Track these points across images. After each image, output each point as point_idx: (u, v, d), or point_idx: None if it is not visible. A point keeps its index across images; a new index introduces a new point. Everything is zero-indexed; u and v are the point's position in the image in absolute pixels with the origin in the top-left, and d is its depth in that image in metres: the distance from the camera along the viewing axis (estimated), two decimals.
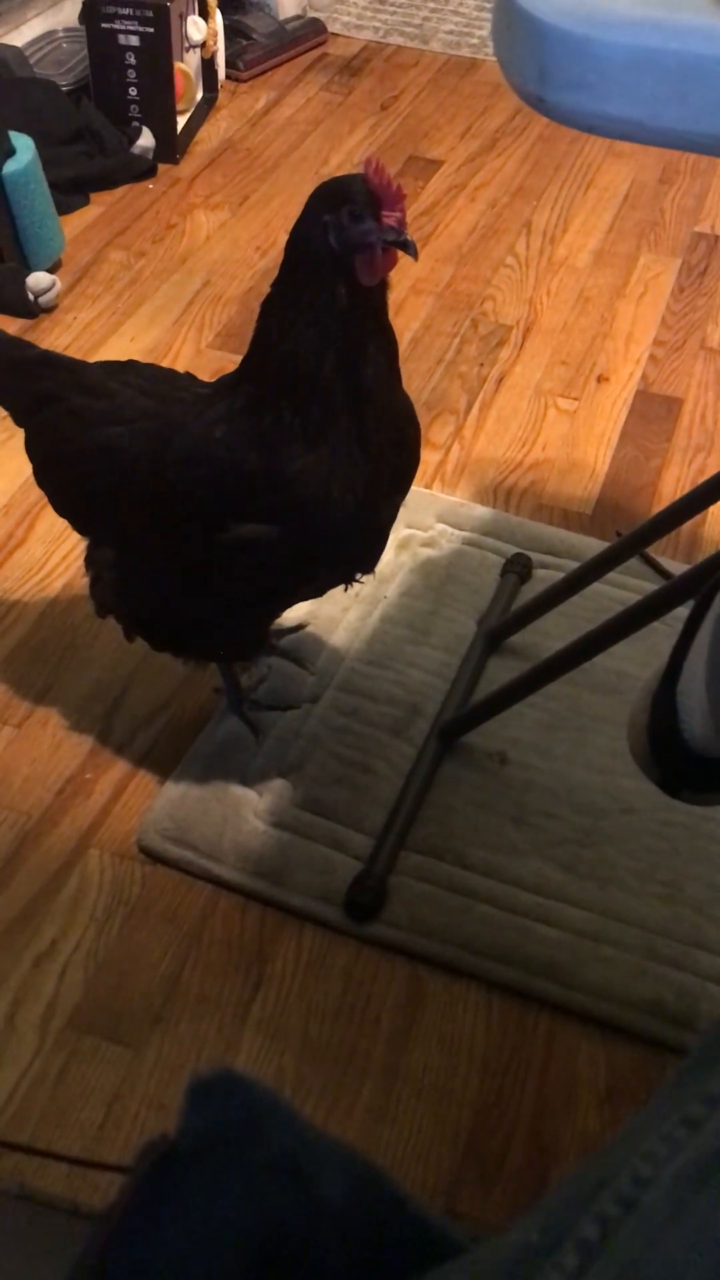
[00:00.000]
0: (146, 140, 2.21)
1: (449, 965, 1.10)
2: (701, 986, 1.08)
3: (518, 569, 1.46)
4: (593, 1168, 0.40)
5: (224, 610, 1.09)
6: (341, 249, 0.87)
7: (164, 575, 1.08)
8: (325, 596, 1.17)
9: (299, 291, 0.90)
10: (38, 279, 1.84)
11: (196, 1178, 0.47)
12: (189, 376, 1.11)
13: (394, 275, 0.91)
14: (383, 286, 0.90)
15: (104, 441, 1.05)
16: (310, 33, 2.69)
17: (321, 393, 0.91)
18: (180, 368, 1.76)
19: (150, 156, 2.22)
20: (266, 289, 0.95)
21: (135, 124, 2.22)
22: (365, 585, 1.16)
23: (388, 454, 0.98)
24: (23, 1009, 1.06)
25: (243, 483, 0.96)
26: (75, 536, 1.19)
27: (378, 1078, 1.03)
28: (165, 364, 1.77)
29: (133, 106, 2.23)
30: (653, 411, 1.75)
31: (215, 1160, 0.46)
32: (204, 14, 2.32)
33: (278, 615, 1.24)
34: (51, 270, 1.90)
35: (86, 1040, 1.04)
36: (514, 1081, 1.03)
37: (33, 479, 1.17)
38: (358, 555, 1.07)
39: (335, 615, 1.40)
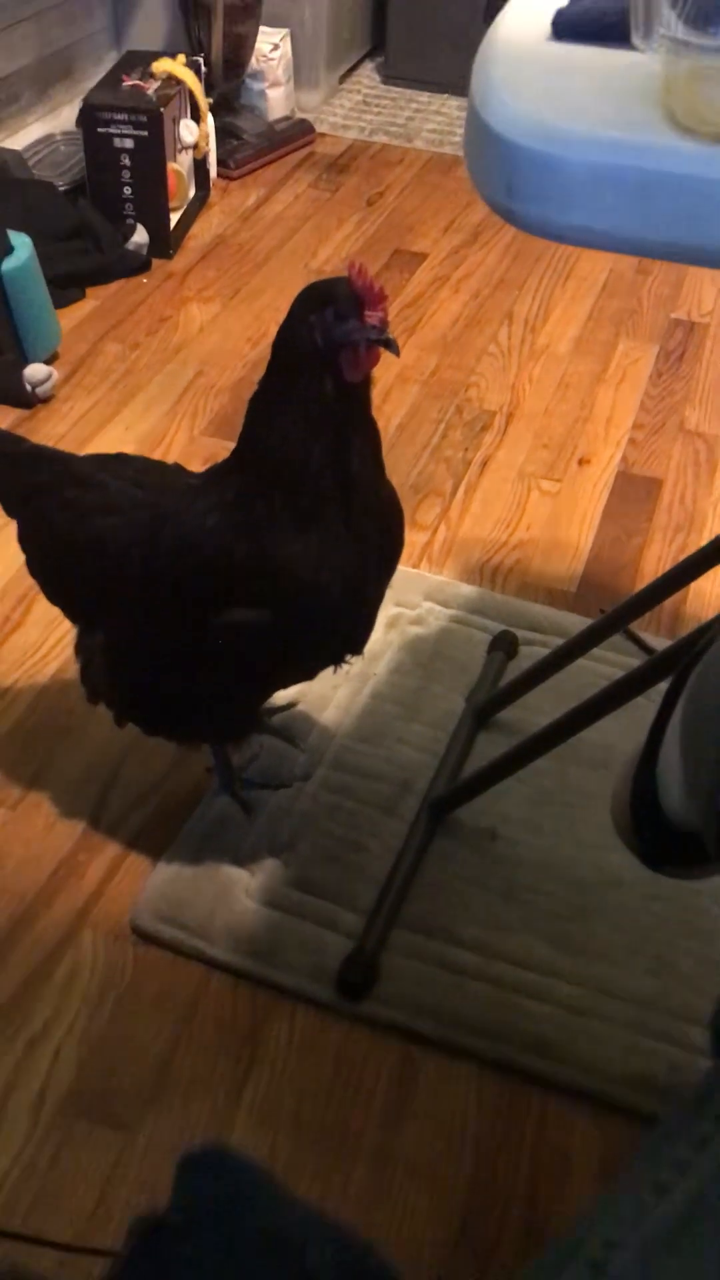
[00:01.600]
0: (141, 237, 2.28)
1: (441, 1043, 1.10)
2: (692, 1060, 1.08)
3: (504, 646, 1.49)
4: (569, 1234, 0.41)
5: (216, 693, 1.11)
6: (326, 347, 0.91)
7: (156, 660, 1.10)
8: (316, 675, 1.19)
9: (286, 388, 0.93)
10: (35, 370, 1.89)
11: (186, 1251, 0.48)
12: (178, 467, 1.15)
13: (380, 365, 0.95)
14: (366, 382, 0.94)
15: (96, 531, 1.08)
16: (298, 133, 2.80)
17: (310, 483, 0.95)
18: (173, 455, 1.81)
19: (144, 252, 2.30)
20: (257, 379, 0.99)
21: (130, 221, 2.30)
22: (355, 664, 1.19)
23: (374, 539, 1.01)
24: (15, 1093, 1.06)
25: (234, 569, 0.99)
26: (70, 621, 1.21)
27: (370, 1158, 1.03)
28: (159, 451, 1.82)
29: (127, 205, 2.30)
30: (634, 492, 1.79)
31: (205, 1234, 0.47)
32: (196, 117, 2.41)
33: (269, 697, 1.26)
34: (48, 362, 1.95)
35: (79, 1124, 1.04)
36: (507, 1160, 1.03)
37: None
38: (346, 637, 1.09)
39: (325, 693, 1.42)
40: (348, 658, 1.11)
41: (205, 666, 1.05)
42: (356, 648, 1.10)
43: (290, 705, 1.40)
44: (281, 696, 1.38)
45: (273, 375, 0.95)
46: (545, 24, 0.72)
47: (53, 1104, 1.05)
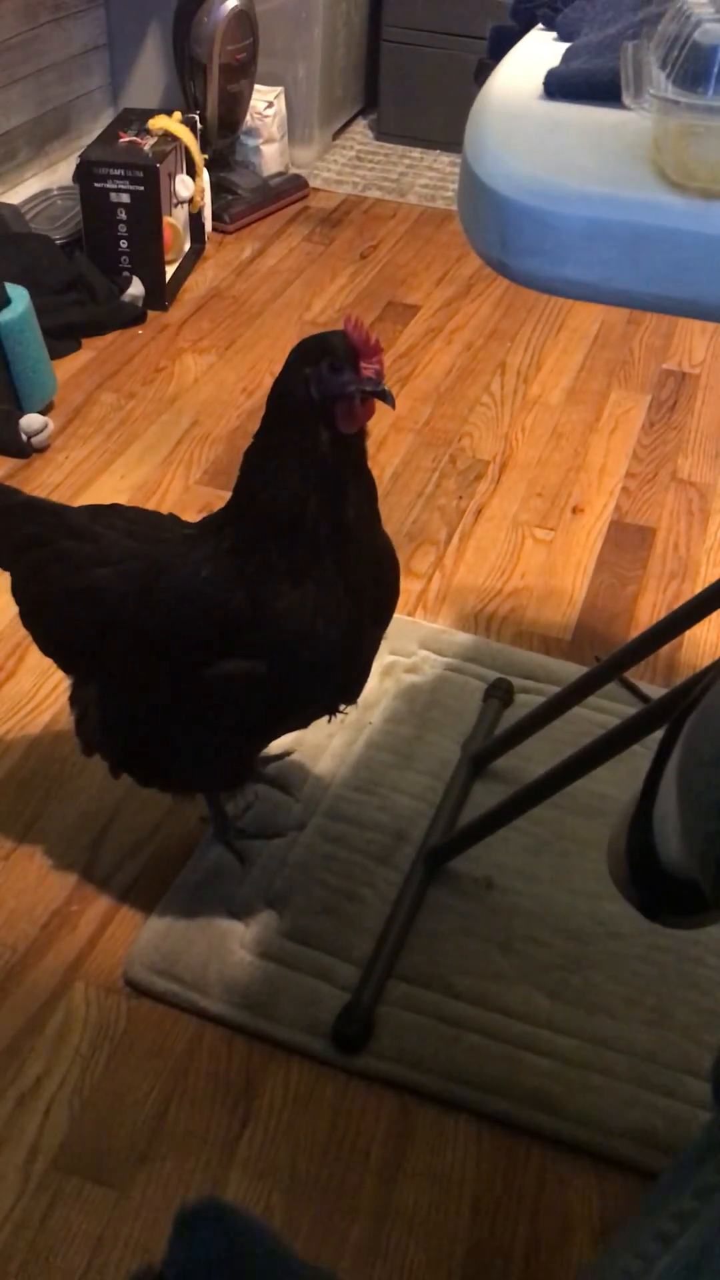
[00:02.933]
0: (136, 289, 2.31)
1: (438, 1097, 1.09)
2: (693, 1114, 1.07)
3: (500, 694, 1.48)
4: None
5: (211, 744, 1.11)
6: (322, 399, 0.91)
7: (151, 711, 1.10)
8: (310, 724, 1.19)
9: (282, 440, 0.94)
10: (31, 420, 1.91)
11: None
12: (172, 518, 1.15)
13: (375, 415, 0.96)
14: (361, 433, 0.95)
15: (90, 582, 1.08)
16: (292, 188, 2.84)
17: (306, 535, 0.95)
18: (168, 504, 1.82)
19: (140, 304, 2.32)
20: (252, 428, 0.99)
21: (126, 274, 2.32)
22: (350, 712, 1.19)
23: (369, 590, 1.01)
24: (6, 1150, 1.04)
25: (229, 620, 0.99)
26: None
27: (368, 1215, 1.01)
28: (154, 500, 1.82)
29: (123, 258, 2.33)
30: (627, 540, 1.80)
31: None
32: (191, 172, 2.45)
33: (264, 747, 1.26)
34: (44, 412, 1.97)
35: (70, 1181, 1.02)
36: (506, 1217, 1.01)
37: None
38: (342, 687, 1.09)
39: (321, 742, 1.41)
40: (342, 707, 1.11)
41: (200, 717, 1.05)
42: (351, 697, 1.10)
43: (285, 754, 1.39)
44: (276, 745, 1.37)
45: (268, 428, 0.96)
46: (537, 83, 0.74)
47: (44, 1160, 1.03)
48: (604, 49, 0.75)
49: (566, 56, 0.77)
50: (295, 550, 0.95)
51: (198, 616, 1.00)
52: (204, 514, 1.10)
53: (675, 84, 0.61)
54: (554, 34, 0.86)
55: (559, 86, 0.72)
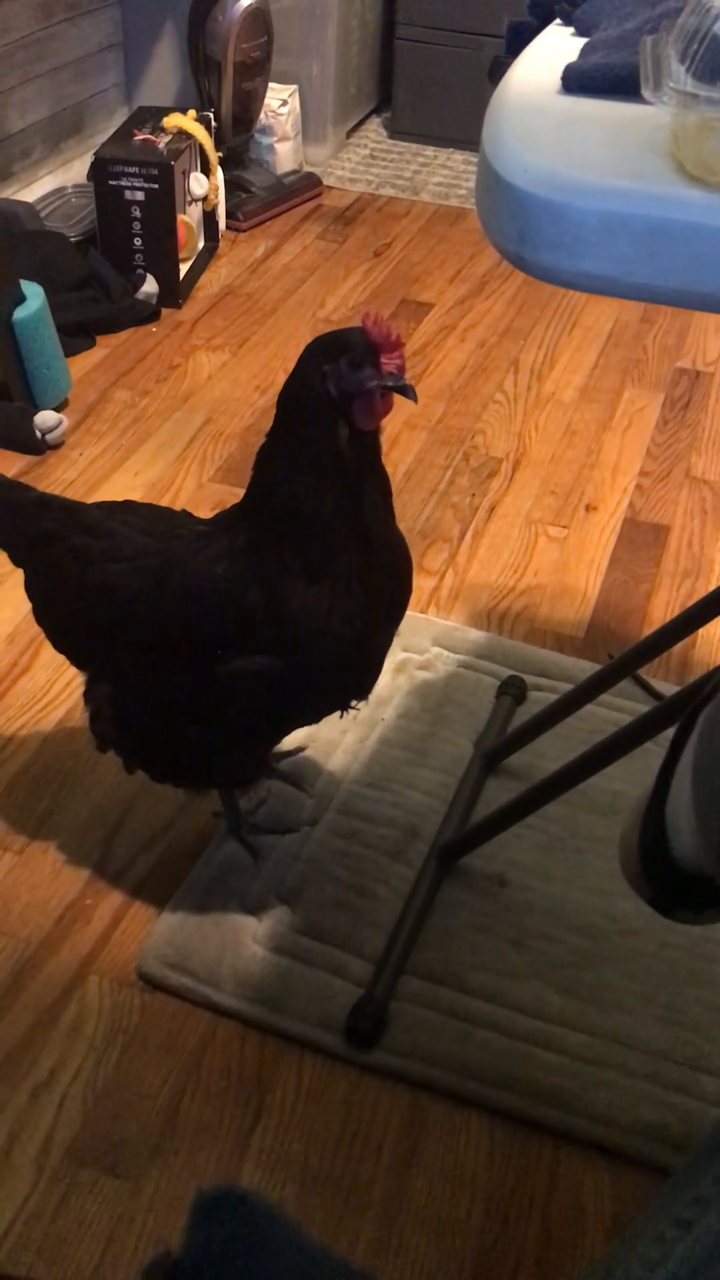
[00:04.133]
0: (150, 286, 2.32)
1: (450, 1092, 1.09)
2: (705, 1110, 1.07)
3: (513, 691, 1.49)
4: (590, 1274, 0.40)
5: (225, 740, 1.11)
6: (340, 396, 0.91)
7: (165, 707, 1.10)
8: (323, 720, 1.19)
9: (298, 438, 0.94)
10: (45, 417, 1.91)
11: None
12: (185, 514, 1.16)
13: (388, 413, 0.96)
14: (377, 430, 0.95)
15: (104, 578, 1.09)
16: (306, 186, 2.84)
17: (322, 532, 0.95)
18: (182, 501, 1.82)
19: (154, 302, 2.33)
20: (266, 425, 0.99)
21: (140, 271, 2.33)
22: (362, 709, 1.19)
23: (383, 586, 1.01)
24: (20, 1142, 1.04)
25: (244, 616, 0.99)
26: None
27: (379, 1209, 1.01)
28: (167, 497, 1.83)
29: (137, 255, 2.34)
30: (641, 538, 1.80)
31: (219, 1277, 0.46)
32: (206, 170, 2.45)
33: (277, 743, 1.26)
34: (58, 409, 1.97)
35: (84, 1173, 1.03)
36: (519, 1212, 1.01)
37: None
38: (355, 684, 1.09)
39: (334, 738, 1.42)
40: (355, 703, 1.11)
41: (214, 714, 1.05)
42: (364, 693, 1.10)
43: (298, 750, 1.40)
44: (289, 741, 1.38)
45: (283, 425, 0.96)
46: (555, 78, 0.74)
47: (58, 1152, 1.04)
48: (622, 43, 0.75)
49: (585, 51, 0.78)
50: (311, 547, 0.95)
51: (212, 612, 1.00)
52: (217, 510, 1.10)
53: (695, 78, 0.61)
54: (572, 29, 0.86)
55: (578, 81, 0.73)
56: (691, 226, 0.60)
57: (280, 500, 0.96)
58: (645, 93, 0.64)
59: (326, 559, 0.96)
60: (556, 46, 0.82)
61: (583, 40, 0.82)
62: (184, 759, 1.16)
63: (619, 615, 1.65)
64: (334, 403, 0.93)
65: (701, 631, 1.47)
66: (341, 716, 1.14)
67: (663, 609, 1.66)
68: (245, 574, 0.98)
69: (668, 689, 1.49)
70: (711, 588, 1.65)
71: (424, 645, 1.56)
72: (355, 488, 0.94)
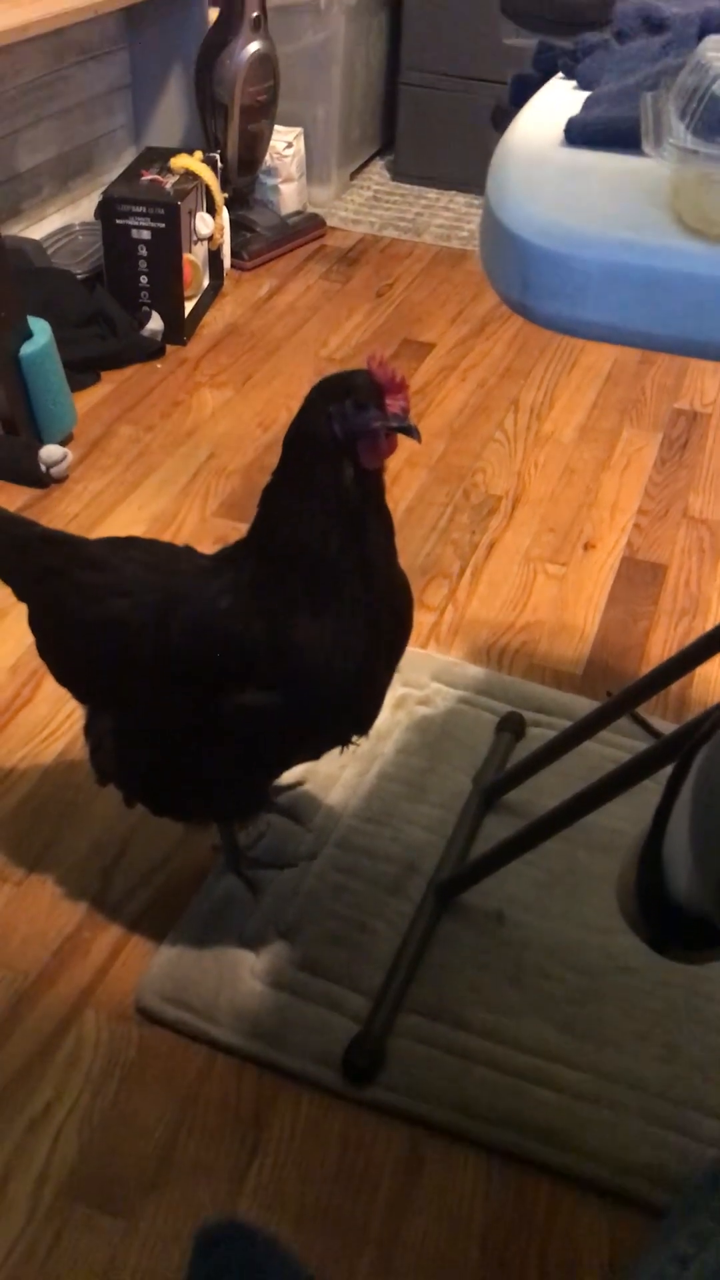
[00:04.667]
0: (156, 324, 2.34)
1: (447, 1129, 1.09)
2: (703, 1150, 1.07)
3: (512, 727, 1.49)
4: None
5: (226, 774, 1.12)
6: (345, 436, 0.93)
7: (166, 741, 1.11)
8: (323, 755, 1.20)
9: (304, 477, 0.96)
10: (50, 451, 1.93)
11: None
12: (189, 550, 1.17)
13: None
14: (380, 470, 0.97)
15: (108, 613, 1.10)
16: (310, 226, 2.88)
17: (328, 569, 0.96)
18: (185, 535, 1.83)
19: (159, 339, 2.35)
20: (269, 462, 1.01)
21: (145, 309, 2.36)
22: (362, 743, 1.20)
23: (385, 623, 1.02)
24: (15, 1175, 1.04)
25: (248, 651, 1.00)
26: None
27: (376, 1247, 1.01)
28: (170, 531, 1.84)
29: (143, 293, 2.37)
30: (639, 576, 1.82)
31: None
32: (211, 210, 2.49)
33: (278, 776, 1.27)
34: (63, 443, 1.99)
35: (79, 1209, 1.02)
36: (515, 1253, 1.01)
37: None
38: (356, 719, 1.10)
39: (333, 772, 1.42)
40: (355, 738, 1.12)
41: (215, 748, 1.06)
42: (365, 729, 1.11)
43: (297, 784, 1.40)
44: (288, 775, 1.38)
45: (289, 464, 0.97)
46: (558, 130, 0.76)
47: (53, 1188, 1.03)
48: (624, 98, 0.77)
49: (587, 105, 0.80)
50: (315, 583, 0.97)
51: (215, 647, 1.01)
52: (220, 545, 1.11)
53: (694, 134, 0.63)
54: (574, 83, 0.89)
55: (580, 133, 0.74)
56: (690, 276, 0.62)
57: (285, 537, 0.97)
58: (646, 147, 0.66)
59: (330, 595, 0.98)
60: (559, 100, 0.84)
61: (585, 94, 0.84)
62: (184, 792, 1.17)
63: (617, 652, 1.66)
64: (339, 443, 0.94)
65: (699, 670, 1.48)
66: (341, 752, 1.15)
67: (660, 647, 1.67)
68: (249, 609, 0.99)
69: (666, 727, 1.50)
70: (709, 626, 1.66)
71: (424, 680, 1.57)
72: (359, 526, 0.96)
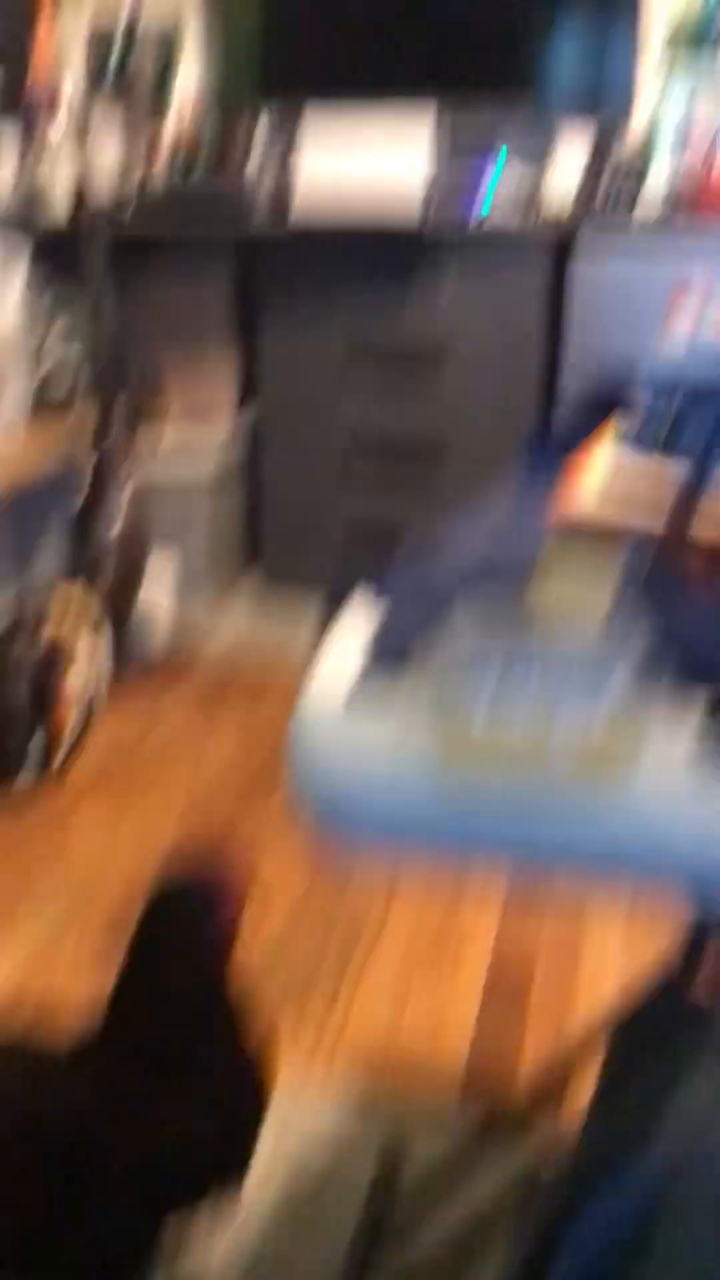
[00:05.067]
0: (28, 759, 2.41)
1: None
2: None
3: (390, 1155, 1.48)
4: None
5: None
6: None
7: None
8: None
9: (156, 977, 1.02)
10: None
11: None
12: (36, 1039, 1.15)
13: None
14: (231, 960, 1.04)
15: None
16: (183, 652, 3.05)
17: (179, 1059, 1.01)
18: (53, 984, 1.79)
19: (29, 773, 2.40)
20: (136, 913, 1.05)
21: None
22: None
23: (248, 1098, 1.06)
24: None
25: (96, 1148, 1.01)
26: None
27: None
28: (36, 978, 1.79)
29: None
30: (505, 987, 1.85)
31: None
32: (87, 637, 2.63)
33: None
34: None
35: None
36: None
37: None
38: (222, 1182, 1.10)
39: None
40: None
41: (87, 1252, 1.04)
42: (235, 1187, 1.11)
43: None
44: None
45: (139, 969, 1.03)
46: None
47: None
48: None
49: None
50: (170, 1072, 1.01)
51: (62, 1150, 1.01)
52: (85, 1002, 1.11)
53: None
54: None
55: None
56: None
57: (143, 1032, 1.02)
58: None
59: (187, 1080, 1.02)
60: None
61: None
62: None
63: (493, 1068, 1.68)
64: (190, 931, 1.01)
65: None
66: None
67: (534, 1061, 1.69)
68: (98, 1103, 1.01)
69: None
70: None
71: (294, 1111, 1.55)
72: (209, 1015, 1.02)
